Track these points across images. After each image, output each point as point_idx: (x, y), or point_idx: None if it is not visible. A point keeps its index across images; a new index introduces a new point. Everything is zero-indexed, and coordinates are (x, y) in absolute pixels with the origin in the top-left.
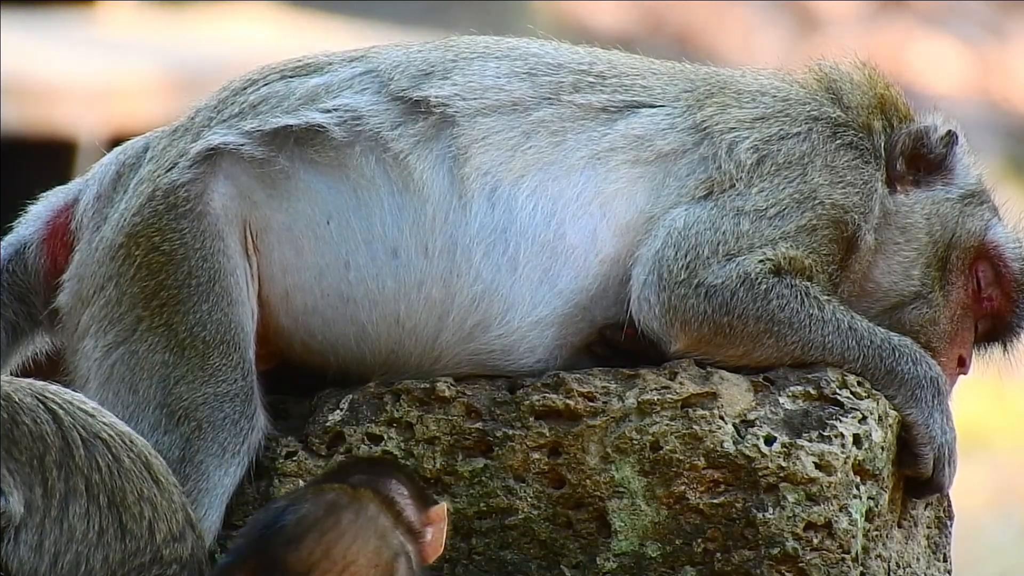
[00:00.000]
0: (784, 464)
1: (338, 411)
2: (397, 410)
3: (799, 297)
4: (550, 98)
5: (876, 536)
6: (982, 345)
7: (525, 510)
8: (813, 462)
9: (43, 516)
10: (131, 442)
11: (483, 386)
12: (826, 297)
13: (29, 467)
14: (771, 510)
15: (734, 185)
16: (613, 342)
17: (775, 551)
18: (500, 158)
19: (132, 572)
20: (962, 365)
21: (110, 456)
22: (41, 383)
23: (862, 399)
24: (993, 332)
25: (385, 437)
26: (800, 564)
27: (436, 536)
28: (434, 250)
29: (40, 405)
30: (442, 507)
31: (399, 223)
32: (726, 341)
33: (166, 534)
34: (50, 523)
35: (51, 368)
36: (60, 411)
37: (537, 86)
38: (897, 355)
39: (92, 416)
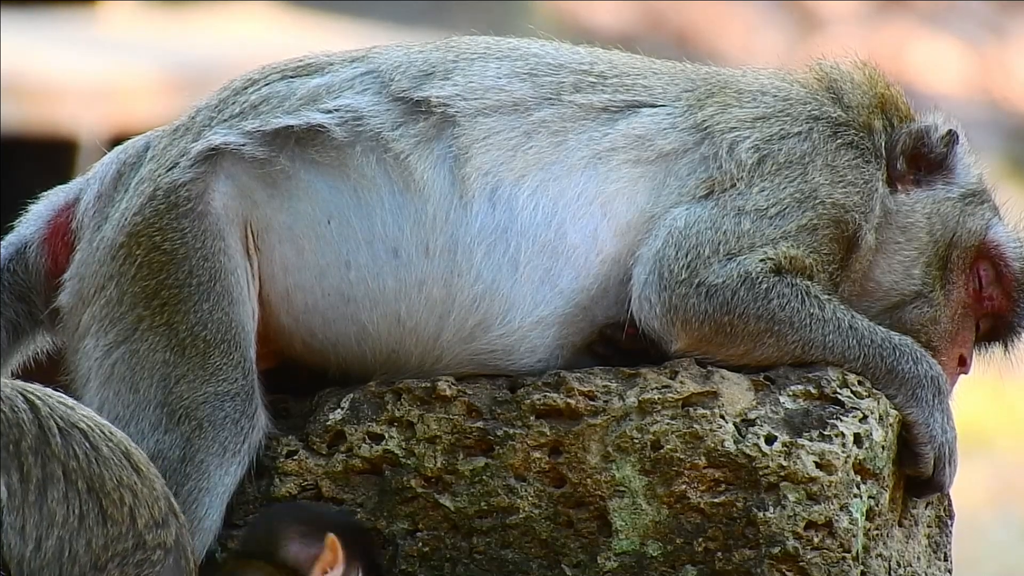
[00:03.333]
0: (785, 463)
1: (339, 410)
2: (398, 409)
3: (800, 296)
4: (551, 98)
5: (877, 535)
6: (983, 344)
7: (526, 509)
8: (814, 461)
9: (21, 501)
10: (110, 433)
11: (484, 385)
12: (827, 296)
13: (6, 452)
14: (772, 509)
15: (735, 184)
16: (614, 341)
17: (776, 550)
18: (501, 158)
19: (116, 557)
20: (963, 364)
21: (88, 445)
22: (23, 381)
23: (863, 398)
24: (994, 331)
25: (386, 436)
26: (801, 563)
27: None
28: (435, 250)
29: (19, 395)
30: (332, 540)
31: (400, 223)
32: (727, 340)
33: (148, 520)
34: (28, 508)
35: (52, 368)
36: (38, 402)
37: (538, 86)
38: (898, 354)
39: (71, 408)
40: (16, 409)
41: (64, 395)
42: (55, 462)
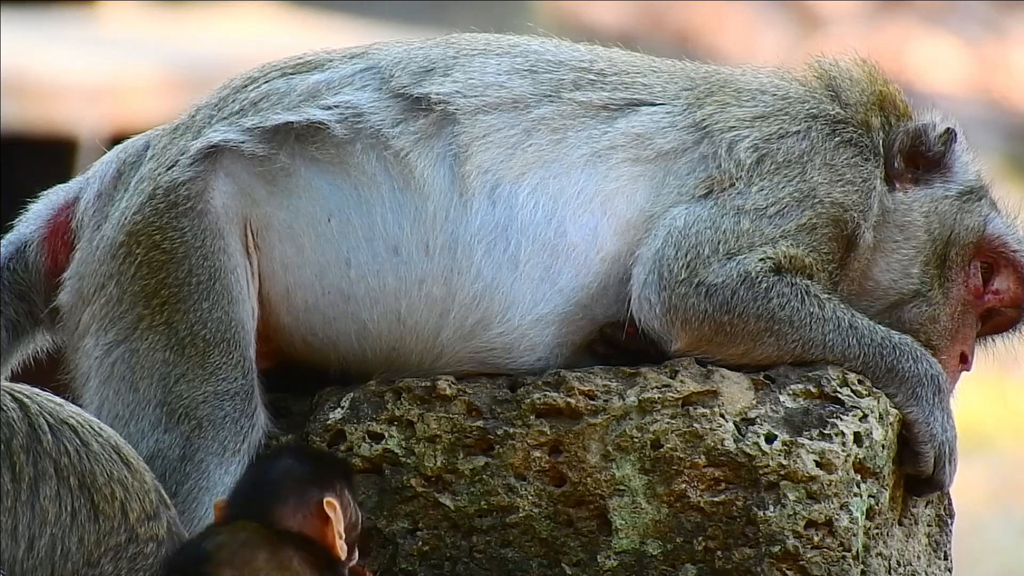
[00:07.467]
0: (785, 462)
1: (339, 409)
2: (398, 408)
3: (799, 295)
4: (551, 96)
5: (877, 534)
6: (985, 340)
7: (526, 508)
8: (814, 460)
9: (14, 500)
10: (99, 428)
11: (484, 384)
12: (826, 295)
13: None
14: (772, 508)
15: (734, 184)
16: (614, 340)
17: (776, 549)
18: (501, 156)
19: (109, 552)
20: (964, 362)
21: (78, 441)
22: (9, 383)
23: (863, 397)
24: (999, 326)
25: (386, 435)
26: (801, 562)
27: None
28: (435, 248)
29: (7, 395)
30: (328, 504)
31: (400, 221)
32: (727, 340)
33: (139, 513)
34: (21, 507)
35: (52, 367)
36: (27, 400)
37: (538, 84)
38: (897, 353)
39: (60, 406)
40: (5, 408)
41: (52, 393)
42: (47, 459)
